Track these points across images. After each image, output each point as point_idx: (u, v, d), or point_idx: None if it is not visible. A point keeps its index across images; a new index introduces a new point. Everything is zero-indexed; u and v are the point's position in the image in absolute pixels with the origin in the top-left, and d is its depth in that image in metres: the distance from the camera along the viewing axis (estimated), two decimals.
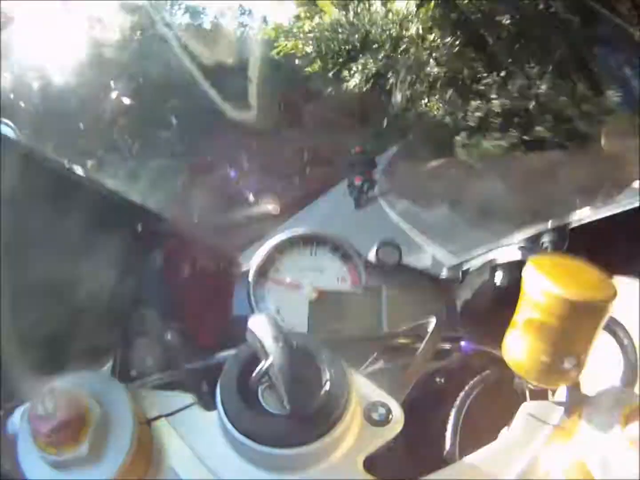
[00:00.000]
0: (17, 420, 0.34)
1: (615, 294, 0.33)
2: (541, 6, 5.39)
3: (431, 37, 6.47)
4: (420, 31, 6.47)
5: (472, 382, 0.49)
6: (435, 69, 6.67)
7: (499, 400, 0.50)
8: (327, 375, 0.35)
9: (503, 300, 0.44)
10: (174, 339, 0.57)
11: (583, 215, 0.48)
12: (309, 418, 0.32)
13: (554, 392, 0.40)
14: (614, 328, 0.42)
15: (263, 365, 0.33)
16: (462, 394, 0.48)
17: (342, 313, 0.74)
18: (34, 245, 0.47)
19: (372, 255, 0.78)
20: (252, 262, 0.77)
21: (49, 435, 0.29)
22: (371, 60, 7.38)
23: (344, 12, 7.22)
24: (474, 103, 6.08)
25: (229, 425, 0.32)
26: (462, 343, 0.50)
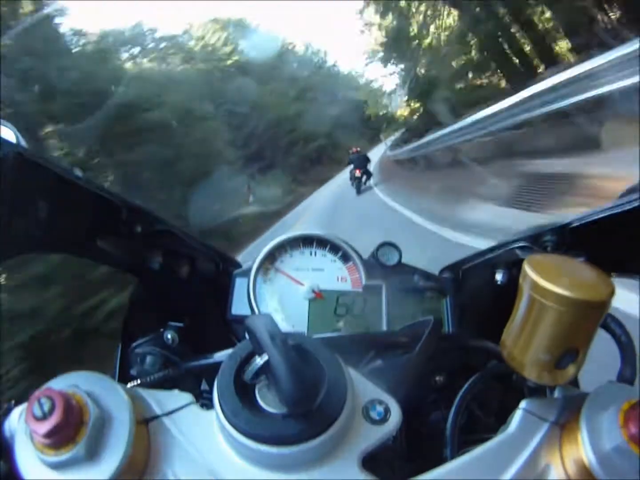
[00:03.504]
0: (14, 421, 0.34)
1: (612, 291, 0.33)
2: None
3: None
4: None
5: (470, 379, 0.49)
6: None
7: (498, 397, 0.50)
8: (324, 373, 0.35)
9: (502, 299, 0.44)
10: (174, 339, 0.57)
11: (583, 215, 0.47)
12: (307, 416, 0.32)
13: (552, 389, 0.40)
14: (612, 324, 0.42)
15: (258, 361, 0.33)
16: (460, 391, 0.48)
17: (342, 313, 0.74)
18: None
19: (371, 255, 0.78)
20: (252, 262, 0.77)
21: (46, 437, 0.29)
22: None
23: None
24: None
25: (227, 424, 0.32)
26: None
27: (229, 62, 26.72)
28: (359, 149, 15.45)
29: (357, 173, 13.89)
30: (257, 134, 23.15)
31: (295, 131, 27.32)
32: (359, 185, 13.95)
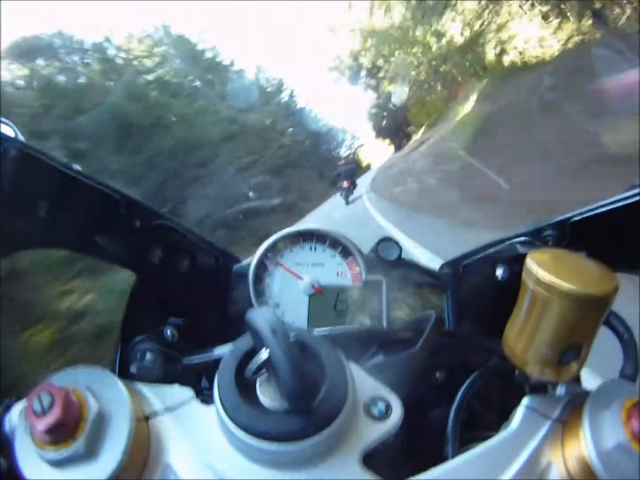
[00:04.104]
0: (14, 417, 0.34)
1: (616, 287, 0.33)
2: None
3: None
4: None
5: (472, 376, 0.49)
6: None
7: (499, 394, 0.50)
8: (326, 369, 0.35)
9: (503, 295, 0.44)
10: (173, 334, 0.57)
11: (584, 210, 0.47)
12: (307, 412, 0.32)
13: (554, 385, 0.40)
14: (614, 321, 0.42)
15: (259, 356, 0.33)
16: (462, 388, 0.48)
17: (342, 308, 0.74)
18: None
19: (372, 251, 0.78)
20: (252, 257, 0.76)
21: (46, 433, 0.28)
22: None
23: None
24: None
25: (227, 420, 0.32)
26: None
27: (148, 76, 19.83)
28: (345, 161, 16.76)
29: (345, 184, 14.75)
30: (157, 163, 13.88)
31: (217, 159, 16.82)
32: (347, 195, 14.79)
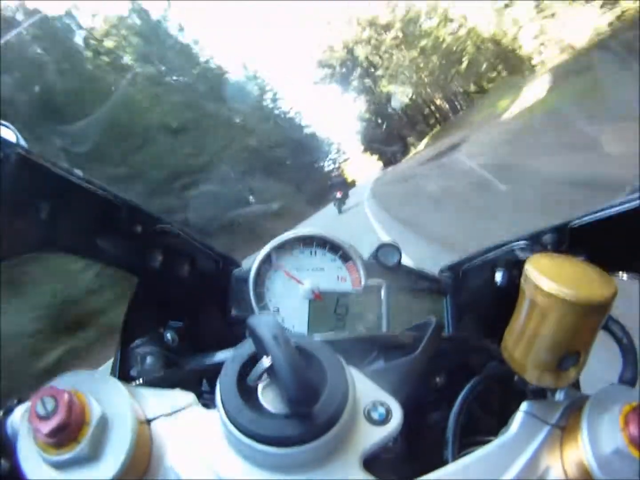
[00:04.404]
0: (16, 420, 0.34)
1: (615, 293, 0.33)
2: None
3: None
4: None
5: (472, 381, 0.49)
6: None
7: (499, 398, 0.50)
8: (326, 375, 0.35)
9: (502, 299, 0.44)
10: (173, 338, 0.57)
11: (584, 214, 0.47)
12: (309, 417, 0.32)
13: (553, 391, 0.40)
14: (613, 326, 0.42)
15: (262, 363, 0.33)
16: (461, 392, 0.48)
17: (342, 313, 0.74)
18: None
19: (372, 256, 0.78)
20: (252, 261, 0.77)
21: (49, 436, 0.29)
22: None
23: None
24: None
25: (229, 424, 0.32)
26: None
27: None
28: (339, 172, 18.51)
29: (339, 195, 15.92)
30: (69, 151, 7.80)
31: (149, 155, 12.06)
32: (339, 205, 15.99)
